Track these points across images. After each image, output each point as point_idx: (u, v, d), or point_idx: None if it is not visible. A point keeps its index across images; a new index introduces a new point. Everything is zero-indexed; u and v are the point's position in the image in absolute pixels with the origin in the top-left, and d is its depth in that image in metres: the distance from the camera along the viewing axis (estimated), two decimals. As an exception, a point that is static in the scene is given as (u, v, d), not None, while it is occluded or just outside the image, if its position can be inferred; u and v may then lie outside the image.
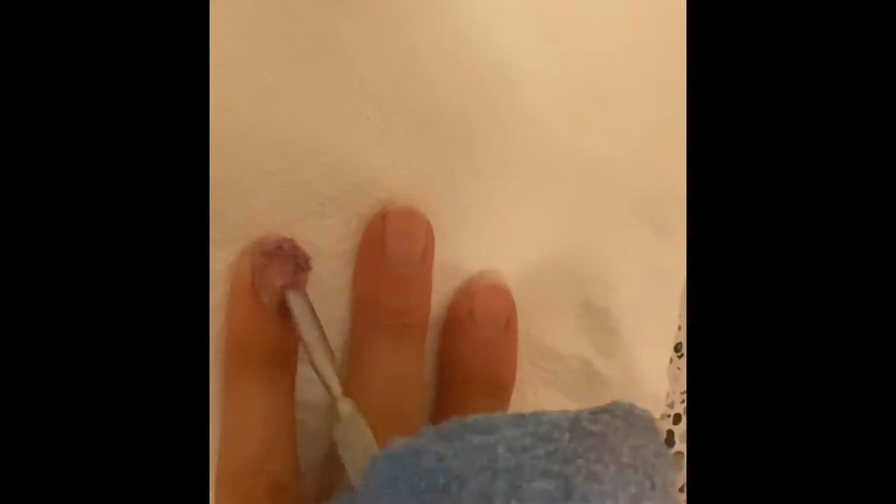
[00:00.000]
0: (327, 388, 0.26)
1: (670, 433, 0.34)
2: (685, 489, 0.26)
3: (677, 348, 0.33)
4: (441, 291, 0.30)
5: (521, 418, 0.22)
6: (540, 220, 0.30)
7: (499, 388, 0.30)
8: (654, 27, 0.30)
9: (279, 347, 0.28)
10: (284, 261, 0.27)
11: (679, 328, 0.32)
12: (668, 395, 0.33)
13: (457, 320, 0.30)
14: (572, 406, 0.28)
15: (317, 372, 0.26)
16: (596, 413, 0.22)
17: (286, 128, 0.27)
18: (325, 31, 0.27)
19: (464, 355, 0.30)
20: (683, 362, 0.33)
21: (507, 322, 0.30)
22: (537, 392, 0.32)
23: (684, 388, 0.33)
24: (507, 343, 0.30)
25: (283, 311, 0.27)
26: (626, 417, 0.22)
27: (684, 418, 0.34)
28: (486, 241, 0.30)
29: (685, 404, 0.33)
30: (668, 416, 0.34)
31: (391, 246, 0.28)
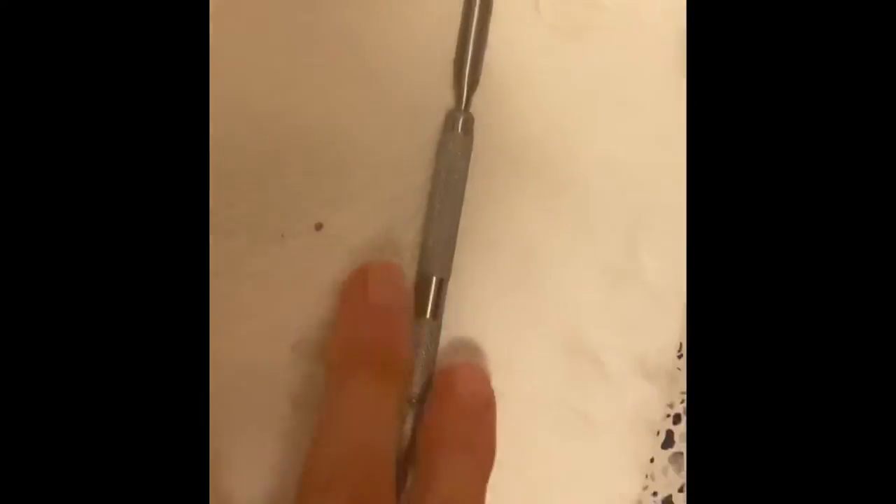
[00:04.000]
0: None
1: (670, 433, 0.34)
2: (685, 489, 0.26)
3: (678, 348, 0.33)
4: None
5: None
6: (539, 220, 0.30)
7: (479, 450, 0.30)
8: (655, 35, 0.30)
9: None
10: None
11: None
12: (667, 395, 0.33)
13: (438, 394, 0.31)
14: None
15: None
16: None
17: (298, 118, 0.27)
18: (337, 23, 0.27)
19: (444, 421, 0.30)
20: (683, 362, 0.33)
21: (487, 402, 0.31)
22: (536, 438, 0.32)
23: (684, 388, 0.33)
24: (487, 418, 0.31)
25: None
26: None
27: (684, 418, 0.33)
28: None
29: (685, 404, 0.33)
30: (668, 416, 0.34)
31: (374, 291, 0.29)
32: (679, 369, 0.33)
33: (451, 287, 0.30)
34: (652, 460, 0.32)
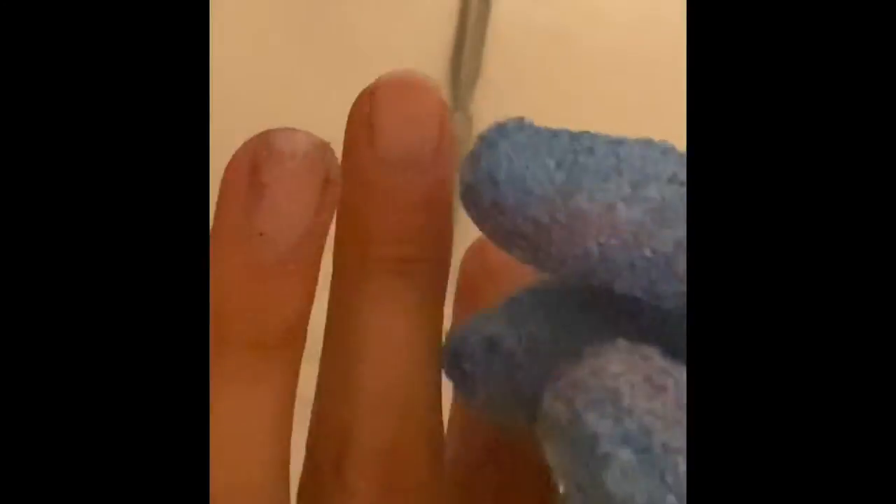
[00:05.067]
0: None
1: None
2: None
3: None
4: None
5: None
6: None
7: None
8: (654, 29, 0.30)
9: (279, 324, 0.20)
10: (303, 174, 0.18)
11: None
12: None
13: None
14: None
15: None
16: None
17: (296, 118, 0.27)
18: (335, 24, 0.27)
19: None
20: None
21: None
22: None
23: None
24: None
25: (295, 261, 0.19)
26: None
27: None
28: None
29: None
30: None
31: (385, 138, 0.19)
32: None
33: (451, 287, 0.30)
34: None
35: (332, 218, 0.19)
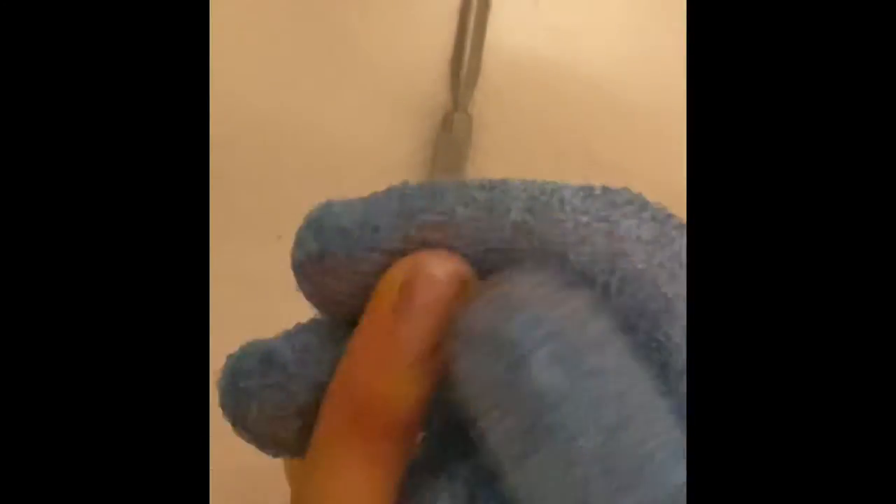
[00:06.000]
0: None
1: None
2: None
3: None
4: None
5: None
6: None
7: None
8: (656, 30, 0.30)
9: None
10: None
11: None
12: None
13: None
14: None
15: None
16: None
17: (295, 119, 0.27)
18: (335, 24, 0.27)
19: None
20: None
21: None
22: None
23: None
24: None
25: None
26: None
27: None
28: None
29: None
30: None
31: (406, 330, 0.21)
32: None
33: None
34: None
35: None
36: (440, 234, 0.21)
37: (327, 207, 0.23)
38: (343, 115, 0.27)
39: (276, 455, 0.24)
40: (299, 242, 0.23)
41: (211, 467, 0.27)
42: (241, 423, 0.23)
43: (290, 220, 0.29)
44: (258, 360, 0.23)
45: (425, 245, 0.21)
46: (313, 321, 0.24)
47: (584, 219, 0.21)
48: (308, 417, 0.23)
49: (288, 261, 0.29)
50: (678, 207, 0.33)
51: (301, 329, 0.24)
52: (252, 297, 0.29)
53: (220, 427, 0.28)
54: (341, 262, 0.22)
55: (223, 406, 0.24)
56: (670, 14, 0.30)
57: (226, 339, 0.29)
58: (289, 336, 0.24)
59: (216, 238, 0.28)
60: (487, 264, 0.21)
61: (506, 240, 0.21)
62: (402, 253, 0.22)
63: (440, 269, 0.21)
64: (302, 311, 0.30)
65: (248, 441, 0.24)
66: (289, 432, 0.23)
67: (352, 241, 0.22)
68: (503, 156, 0.30)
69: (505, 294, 0.20)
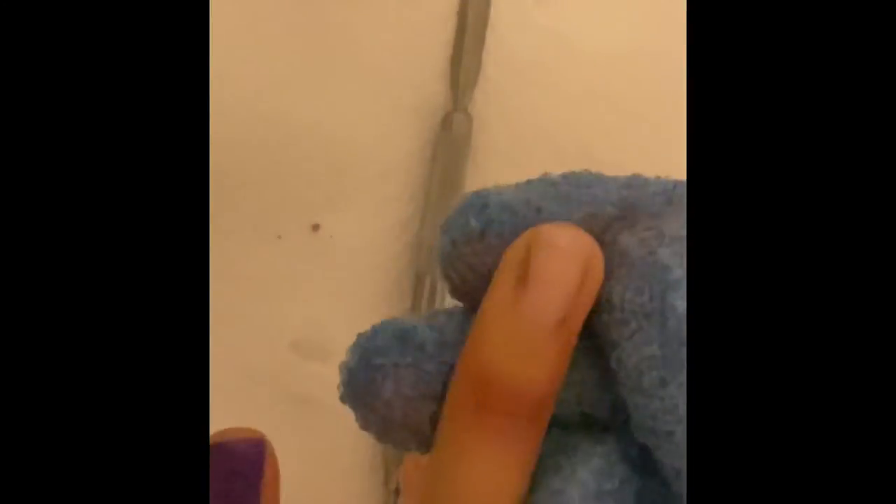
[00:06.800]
0: None
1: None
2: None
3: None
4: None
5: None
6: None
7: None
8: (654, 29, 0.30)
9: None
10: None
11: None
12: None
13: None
14: None
15: None
16: None
17: (295, 119, 0.27)
18: (334, 24, 0.27)
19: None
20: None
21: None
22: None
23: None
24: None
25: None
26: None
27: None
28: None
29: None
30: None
31: (530, 303, 0.20)
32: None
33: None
34: None
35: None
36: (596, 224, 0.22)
37: (485, 191, 0.22)
38: (343, 115, 0.27)
39: (398, 445, 0.23)
40: (451, 226, 0.22)
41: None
42: (371, 405, 0.22)
43: (290, 220, 0.29)
44: (395, 336, 0.22)
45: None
46: (453, 308, 0.23)
47: None
48: (444, 403, 0.21)
49: (288, 260, 0.29)
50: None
51: (438, 312, 0.23)
52: (252, 297, 0.29)
53: (220, 427, 0.28)
54: (505, 239, 0.21)
55: (350, 386, 0.23)
56: (670, 14, 0.30)
57: (226, 338, 0.29)
58: (426, 317, 0.23)
59: (216, 238, 0.28)
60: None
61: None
62: None
63: (563, 239, 0.20)
64: (302, 310, 0.30)
65: (373, 427, 0.23)
66: (423, 416, 0.22)
67: (518, 219, 0.21)
68: (503, 156, 0.30)
69: (658, 227, 0.21)
